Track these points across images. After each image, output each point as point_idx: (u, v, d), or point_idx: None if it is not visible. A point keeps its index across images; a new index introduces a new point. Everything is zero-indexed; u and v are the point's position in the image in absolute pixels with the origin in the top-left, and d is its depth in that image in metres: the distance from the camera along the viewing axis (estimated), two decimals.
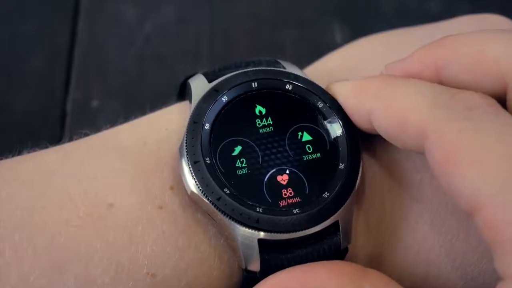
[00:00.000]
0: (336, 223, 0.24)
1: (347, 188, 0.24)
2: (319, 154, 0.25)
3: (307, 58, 0.32)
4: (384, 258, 0.26)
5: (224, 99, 0.25)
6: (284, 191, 0.24)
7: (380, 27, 0.35)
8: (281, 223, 0.23)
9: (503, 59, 0.22)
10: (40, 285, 0.22)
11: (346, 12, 0.47)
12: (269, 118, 0.25)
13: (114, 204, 0.23)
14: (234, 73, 0.26)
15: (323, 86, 0.26)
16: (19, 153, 0.26)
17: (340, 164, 0.24)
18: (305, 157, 0.25)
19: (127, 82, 0.44)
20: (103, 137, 0.26)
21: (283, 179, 0.24)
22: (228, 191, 0.23)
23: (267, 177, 0.24)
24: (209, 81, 0.26)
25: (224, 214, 0.23)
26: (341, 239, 0.24)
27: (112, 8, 0.47)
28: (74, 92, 0.43)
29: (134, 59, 0.45)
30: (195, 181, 0.23)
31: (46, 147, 0.26)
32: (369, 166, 0.26)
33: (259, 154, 0.24)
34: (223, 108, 0.25)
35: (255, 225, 0.23)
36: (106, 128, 0.27)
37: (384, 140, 0.24)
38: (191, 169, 0.23)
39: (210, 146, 0.24)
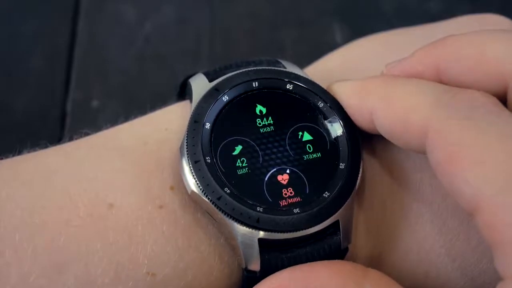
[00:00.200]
0: (336, 223, 0.24)
1: (348, 187, 0.24)
2: (319, 153, 0.25)
3: (307, 58, 0.32)
4: (384, 258, 0.26)
5: (225, 98, 0.25)
6: (284, 190, 0.24)
7: (380, 27, 0.35)
8: (282, 222, 0.23)
9: (504, 59, 0.22)
10: (40, 285, 0.22)
11: (346, 12, 0.47)
12: (270, 118, 0.25)
13: (114, 204, 0.23)
14: (235, 72, 0.26)
15: (323, 86, 0.26)
16: (19, 153, 0.25)
17: (341, 164, 0.24)
18: (305, 157, 0.25)
19: (127, 82, 0.44)
20: (103, 137, 0.26)
21: (283, 178, 0.24)
22: (228, 191, 0.23)
23: (267, 176, 0.24)
24: (210, 81, 0.26)
25: (225, 214, 0.23)
26: (341, 238, 0.24)
27: (112, 8, 0.47)
28: (74, 92, 0.43)
29: (134, 59, 0.45)
30: (196, 181, 0.23)
31: (46, 147, 0.26)
32: (369, 166, 0.26)
33: (260, 153, 0.24)
34: (223, 107, 0.25)
35: (255, 225, 0.23)
36: (106, 128, 0.27)
37: (385, 139, 0.24)
38: (191, 168, 0.23)
39: (211, 145, 0.24)
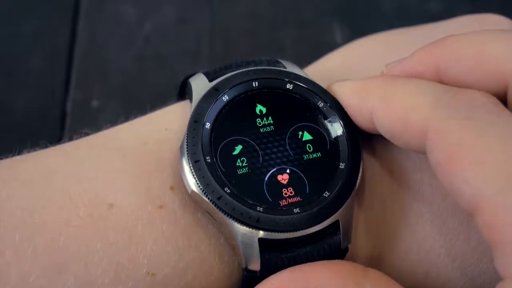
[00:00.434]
0: (336, 223, 0.24)
1: (348, 187, 0.24)
2: (319, 153, 0.25)
3: (307, 58, 0.32)
4: (384, 258, 0.26)
5: (225, 98, 0.25)
6: (284, 190, 0.24)
7: (380, 27, 0.35)
8: (282, 222, 0.23)
9: (504, 59, 0.22)
10: (40, 285, 0.22)
11: (346, 12, 0.47)
12: (270, 118, 0.25)
13: (114, 204, 0.23)
14: (235, 72, 0.26)
15: (323, 86, 0.26)
16: (19, 153, 0.25)
17: (341, 163, 0.24)
18: (305, 157, 0.25)
19: (127, 82, 0.44)
20: (103, 137, 0.26)
21: (283, 178, 0.24)
22: (228, 190, 0.23)
23: (267, 176, 0.24)
24: (210, 80, 0.26)
25: (225, 213, 0.23)
26: (341, 238, 0.24)
27: (112, 8, 0.47)
28: (74, 92, 0.43)
29: (134, 59, 0.45)
30: (196, 180, 0.23)
31: (46, 147, 0.26)
32: (369, 166, 0.26)
33: (260, 153, 0.24)
34: (223, 107, 0.25)
35: (255, 224, 0.23)
36: (106, 128, 0.27)
37: (385, 139, 0.24)
38: (191, 168, 0.23)
39: (211, 145, 0.24)
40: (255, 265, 0.23)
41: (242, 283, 0.24)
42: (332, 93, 0.26)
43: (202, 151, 0.24)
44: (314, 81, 0.26)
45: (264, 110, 0.25)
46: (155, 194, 0.24)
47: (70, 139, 0.27)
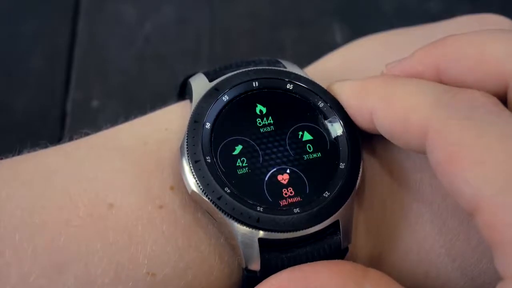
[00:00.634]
0: (336, 223, 0.24)
1: (348, 187, 0.24)
2: (319, 153, 0.25)
3: (307, 58, 0.32)
4: (384, 258, 0.26)
5: (225, 98, 0.25)
6: (284, 190, 0.24)
7: (380, 27, 0.35)
8: (282, 222, 0.23)
9: (504, 59, 0.22)
10: (40, 285, 0.22)
11: (346, 12, 0.47)
12: (270, 118, 0.25)
13: (114, 204, 0.23)
14: (235, 72, 0.26)
15: (323, 86, 0.26)
16: (19, 153, 0.25)
17: (341, 163, 0.24)
18: (305, 157, 0.25)
19: (127, 82, 0.44)
20: (103, 137, 0.26)
21: (283, 178, 0.24)
22: (228, 190, 0.23)
23: (267, 176, 0.24)
24: (210, 80, 0.26)
25: (225, 213, 0.23)
26: (341, 238, 0.24)
27: (112, 8, 0.47)
28: (74, 92, 0.43)
29: (134, 59, 0.45)
30: (196, 180, 0.23)
31: (46, 147, 0.26)
32: (369, 166, 0.26)
33: (260, 153, 0.24)
34: (224, 107, 0.25)
35: (255, 224, 0.23)
36: (106, 128, 0.27)
37: (385, 139, 0.24)
38: (191, 168, 0.23)
39: (211, 145, 0.24)
40: (255, 265, 0.23)
41: (242, 283, 0.24)
42: (332, 93, 0.26)
43: (202, 151, 0.24)
44: (314, 81, 0.26)
45: (264, 110, 0.25)
46: (155, 194, 0.24)
47: (70, 139, 0.27)
